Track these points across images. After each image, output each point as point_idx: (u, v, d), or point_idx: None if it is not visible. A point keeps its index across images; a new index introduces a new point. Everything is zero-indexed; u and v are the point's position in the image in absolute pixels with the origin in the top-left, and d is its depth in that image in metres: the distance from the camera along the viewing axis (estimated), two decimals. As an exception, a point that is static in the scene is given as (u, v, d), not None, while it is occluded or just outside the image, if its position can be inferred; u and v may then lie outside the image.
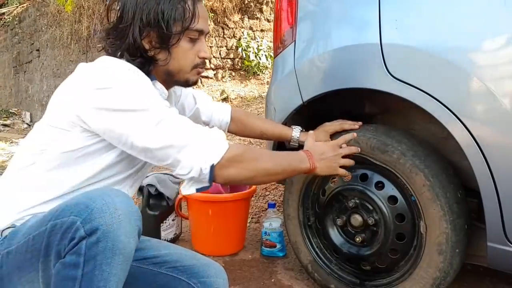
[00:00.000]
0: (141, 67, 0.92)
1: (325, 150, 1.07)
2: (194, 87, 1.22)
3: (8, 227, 0.83)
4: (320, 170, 1.04)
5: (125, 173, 0.95)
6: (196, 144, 0.86)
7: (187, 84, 1.00)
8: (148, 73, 0.93)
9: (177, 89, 1.18)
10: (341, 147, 1.12)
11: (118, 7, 0.93)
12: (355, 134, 1.16)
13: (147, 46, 0.92)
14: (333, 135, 1.24)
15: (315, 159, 1.03)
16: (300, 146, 1.31)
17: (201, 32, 0.96)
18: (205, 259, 1.04)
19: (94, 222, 0.68)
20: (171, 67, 0.95)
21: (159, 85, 0.98)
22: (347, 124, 1.24)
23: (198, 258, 1.03)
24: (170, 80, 0.99)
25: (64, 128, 0.86)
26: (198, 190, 0.91)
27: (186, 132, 0.87)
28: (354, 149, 1.14)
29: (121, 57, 0.92)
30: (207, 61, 6.10)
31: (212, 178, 0.87)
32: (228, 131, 1.32)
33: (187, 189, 0.91)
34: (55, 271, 0.71)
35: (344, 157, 1.10)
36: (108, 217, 0.69)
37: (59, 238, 0.71)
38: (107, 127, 0.84)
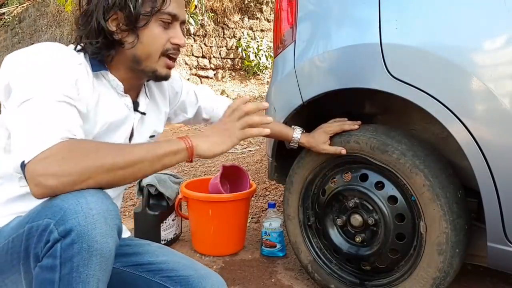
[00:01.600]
0: (97, 51, 0.87)
1: (215, 129, 0.88)
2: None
3: None
4: (204, 148, 0.83)
5: None
6: (26, 134, 0.72)
7: (155, 76, 0.91)
8: (102, 62, 0.89)
9: (176, 85, 1.14)
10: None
11: None
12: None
13: (113, 28, 0.86)
14: (333, 137, 1.24)
15: (194, 138, 0.83)
16: (299, 148, 1.31)
17: (174, 17, 0.89)
18: (204, 269, 0.99)
19: (67, 224, 0.66)
20: (139, 52, 0.88)
21: (111, 76, 0.90)
22: (347, 124, 1.23)
23: (196, 268, 0.97)
24: (136, 68, 0.90)
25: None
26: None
27: (35, 120, 0.72)
28: (261, 106, 0.91)
29: (79, 42, 0.88)
30: (207, 60, 6.05)
31: (28, 179, 0.70)
32: None
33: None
34: (35, 274, 0.70)
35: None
36: (81, 218, 0.66)
37: (35, 241, 0.69)
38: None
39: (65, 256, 0.66)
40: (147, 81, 1.04)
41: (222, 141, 0.86)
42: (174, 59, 0.92)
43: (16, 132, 0.74)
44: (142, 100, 1.00)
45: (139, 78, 0.95)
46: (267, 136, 1.37)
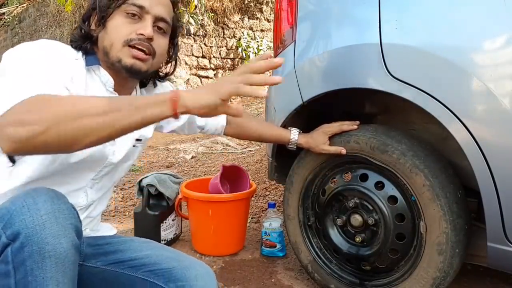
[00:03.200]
0: (75, 40, 0.92)
1: (210, 84, 0.80)
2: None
3: None
4: (188, 97, 0.72)
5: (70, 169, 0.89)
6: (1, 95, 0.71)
7: (122, 67, 0.89)
8: (94, 58, 0.92)
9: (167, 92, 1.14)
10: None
11: None
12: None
13: (93, 27, 0.92)
14: (333, 137, 1.24)
15: (182, 90, 0.75)
16: (299, 149, 1.31)
17: (142, 9, 0.89)
18: (189, 260, 0.96)
19: (14, 227, 0.65)
20: (105, 43, 0.90)
21: (103, 71, 0.92)
22: (346, 125, 1.24)
23: (180, 259, 0.95)
24: (107, 61, 0.91)
25: None
26: None
27: (8, 87, 0.72)
28: (273, 63, 0.77)
29: (73, 43, 0.93)
30: (207, 60, 6.05)
31: None
32: (224, 134, 1.31)
33: None
34: None
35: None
36: (29, 219, 0.65)
37: None
38: None
39: (17, 260, 0.65)
40: (141, 87, 1.05)
41: (209, 93, 0.74)
42: (141, 50, 0.90)
43: None
44: None
45: (123, 78, 0.94)
46: (265, 141, 1.37)
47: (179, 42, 1.07)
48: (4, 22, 8.77)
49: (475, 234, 1.13)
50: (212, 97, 0.73)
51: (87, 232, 1.02)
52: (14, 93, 0.70)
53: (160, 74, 1.07)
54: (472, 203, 1.15)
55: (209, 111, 0.73)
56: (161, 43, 0.94)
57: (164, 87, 1.14)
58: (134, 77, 0.96)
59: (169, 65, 1.06)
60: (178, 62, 1.07)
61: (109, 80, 0.93)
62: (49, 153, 0.76)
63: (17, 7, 8.42)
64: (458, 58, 0.96)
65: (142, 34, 0.89)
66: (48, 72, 0.78)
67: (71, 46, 0.92)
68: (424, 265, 1.09)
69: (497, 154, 0.93)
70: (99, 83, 0.93)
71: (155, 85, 1.09)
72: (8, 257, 0.65)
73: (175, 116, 0.72)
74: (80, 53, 0.92)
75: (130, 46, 0.89)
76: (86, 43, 0.92)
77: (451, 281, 1.10)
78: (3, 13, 8.73)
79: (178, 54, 1.07)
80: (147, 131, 1.09)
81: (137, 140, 1.05)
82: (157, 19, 0.92)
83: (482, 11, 0.95)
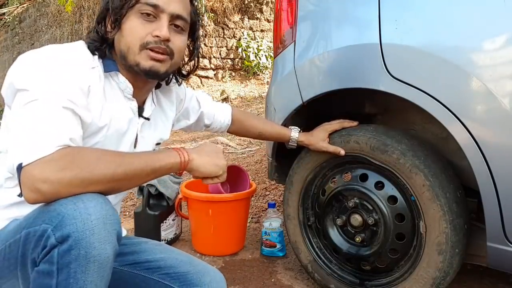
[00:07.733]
0: (91, 43, 0.88)
1: (209, 149, 0.95)
2: (185, 85, 1.13)
3: None
4: (199, 164, 0.89)
5: None
6: (26, 135, 0.71)
7: (141, 71, 0.87)
8: (113, 64, 0.89)
9: (180, 92, 1.13)
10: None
11: None
12: None
13: (108, 29, 0.88)
14: (333, 136, 1.24)
15: (191, 152, 0.89)
16: (299, 148, 1.31)
17: (157, 8, 0.85)
18: (202, 265, 0.99)
19: (65, 229, 0.65)
20: (122, 46, 0.87)
21: (121, 78, 0.90)
22: (346, 122, 1.25)
23: (194, 264, 0.98)
24: (125, 65, 0.89)
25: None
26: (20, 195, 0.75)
27: (38, 122, 0.72)
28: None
29: (90, 45, 0.90)
30: (207, 60, 6.03)
31: (23, 182, 0.69)
32: (227, 132, 1.31)
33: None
34: (32, 279, 0.69)
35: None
36: (80, 223, 0.66)
37: (33, 247, 0.69)
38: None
39: (62, 262, 0.66)
40: (156, 88, 1.03)
41: (214, 166, 0.92)
42: (159, 52, 0.87)
43: (17, 132, 0.72)
44: (148, 106, 0.99)
45: (142, 80, 0.92)
46: (266, 139, 1.38)
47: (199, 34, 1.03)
48: (4, 22, 8.78)
49: (475, 234, 1.13)
50: (215, 169, 0.92)
51: None
52: (36, 131, 0.71)
53: (183, 72, 1.04)
54: (472, 203, 1.15)
55: (208, 177, 0.94)
56: (178, 42, 0.91)
57: (180, 89, 1.12)
58: (153, 79, 0.94)
59: (193, 61, 1.03)
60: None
61: (128, 87, 0.90)
62: None
63: (17, 7, 8.43)
64: (458, 58, 0.96)
65: (158, 36, 0.86)
66: (64, 98, 0.76)
67: (88, 48, 0.88)
68: (424, 265, 1.09)
69: (497, 154, 0.93)
70: (117, 90, 0.90)
71: (179, 83, 1.06)
72: (53, 258, 0.66)
73: (179, 174, 0.84)
74: (96, 58, 0.88)
75: (147, 49, 0.86)
76: (104, 46, 0.88)
77: (451, 281, 1.10)
78: (3, 13, 8.74)
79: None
80: (166, 134, 1.09)
81: (157, 144, 1.05)
82: (173, 17, 0.88)
83: (482, 11, 0.95)
